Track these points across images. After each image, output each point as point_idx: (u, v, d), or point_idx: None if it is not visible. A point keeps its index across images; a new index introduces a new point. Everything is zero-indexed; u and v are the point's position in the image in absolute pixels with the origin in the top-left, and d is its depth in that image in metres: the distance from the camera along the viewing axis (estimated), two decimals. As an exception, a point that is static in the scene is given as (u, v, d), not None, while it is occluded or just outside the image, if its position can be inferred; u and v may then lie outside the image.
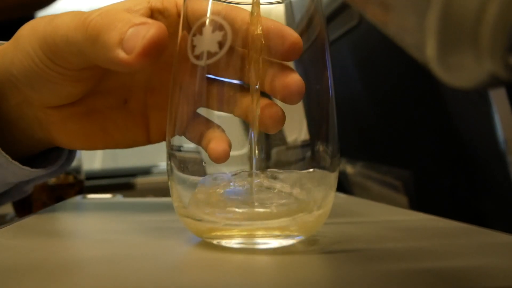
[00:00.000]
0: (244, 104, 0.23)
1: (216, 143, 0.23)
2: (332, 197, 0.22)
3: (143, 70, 0.24)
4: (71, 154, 0.35)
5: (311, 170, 0.22)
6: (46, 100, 0.29)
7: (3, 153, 0.29)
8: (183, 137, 0.22)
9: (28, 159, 0.31)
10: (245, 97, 0.23)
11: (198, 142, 0.24)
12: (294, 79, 0.22)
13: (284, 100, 0.22)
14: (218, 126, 0.24)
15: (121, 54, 0.23)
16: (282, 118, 0.22)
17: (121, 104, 0.32)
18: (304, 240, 0.22)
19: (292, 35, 0.21)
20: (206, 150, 0.23)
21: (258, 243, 0.21)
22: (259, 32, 0.21)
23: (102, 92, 0.31)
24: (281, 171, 0.22)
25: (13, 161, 0.29)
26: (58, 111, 0.30)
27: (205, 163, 0.23)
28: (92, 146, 0.32)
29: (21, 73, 0.27)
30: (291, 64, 0.22)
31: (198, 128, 0.23)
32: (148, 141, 0.33)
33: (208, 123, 0.24)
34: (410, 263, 0.19)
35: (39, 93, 0.28)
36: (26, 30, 0.27)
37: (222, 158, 0.23)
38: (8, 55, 0.28)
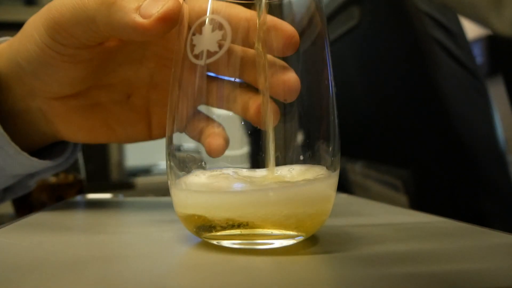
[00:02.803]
0: (243, 101, 0.23)
1: (213, 138, 0.24)
2: (333, 196, 0.22)
3: (155, 38, 0.25)
4: (76, 147, 0.35)
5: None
6: (49, 88, 0.30)
7: (13, 143, 0.29)
8: (182, 137, 0.22)
9: (33, 153, 0.32)
10: (245, 95, 0.23)
11: (198, 139, 0.24)
12: (291, 77, 0.22)
13: (281, 97, 0.22)
14: (218, 123, 0.24)
15: (138, 18, 0.24)
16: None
17: (124, 99, 0.33)
18: (304, 240, 0.22)
19: (288, 29, 0.21)
20: (203, 145, 0.24)
21: (258, 243, 0.21)
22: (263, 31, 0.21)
23: (105, 86, 0.32)
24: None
25: (22, 151, 0.30)
26: (62, 103, 0.31)
27: (205, 163, 0.23)
28: (95, 139, 0.33)
29: (25, 59, 0.28)
30: (291, 64, 0.22)
31: (198, 125, 0.24)
32: (150, 136, 0.33)
33: (208, 120, 0.24)
34: (411, 265, 0.19)
35: (42, 81, 0.29)
36: (31, 18, 0.28)
37: (217, 152, 0.24)
38: (15, 44, 0.29)
